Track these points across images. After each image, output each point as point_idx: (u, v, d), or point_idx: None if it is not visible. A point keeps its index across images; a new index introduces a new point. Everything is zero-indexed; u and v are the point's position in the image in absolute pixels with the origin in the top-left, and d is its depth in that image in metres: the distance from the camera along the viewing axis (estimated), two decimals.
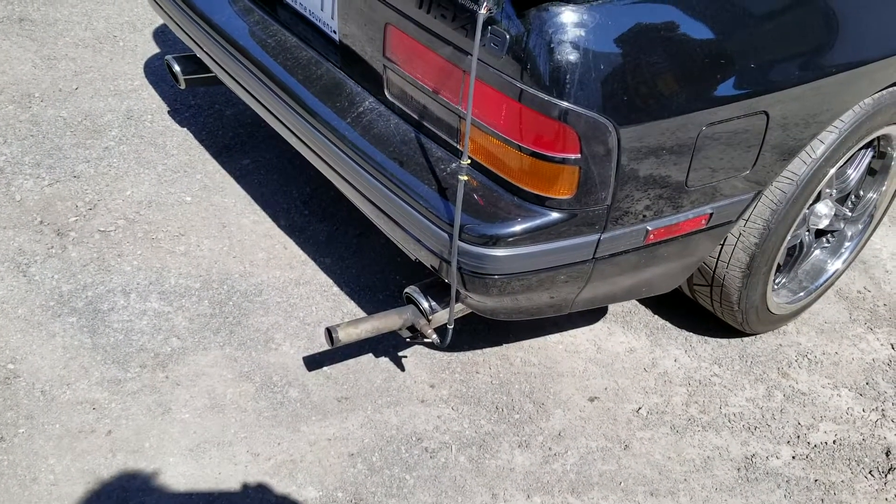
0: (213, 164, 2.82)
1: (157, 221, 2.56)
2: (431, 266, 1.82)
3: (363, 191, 1.88)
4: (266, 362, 2.17)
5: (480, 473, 1.98)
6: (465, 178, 1.61)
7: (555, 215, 1.66)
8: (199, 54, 2.41)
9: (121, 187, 2.67)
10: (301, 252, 2.52)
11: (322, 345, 2.23)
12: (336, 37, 1.98)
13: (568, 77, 1.51)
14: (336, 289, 2.41)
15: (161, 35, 3.48)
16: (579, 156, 1.58)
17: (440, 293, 1.92)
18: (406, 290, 1.94)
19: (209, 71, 2.64)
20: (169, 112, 3.04)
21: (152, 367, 2.11)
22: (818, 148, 1.97)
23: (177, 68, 2.63)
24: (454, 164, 1.76)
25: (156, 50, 3.38)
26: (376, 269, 2.49)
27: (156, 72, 3.25)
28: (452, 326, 1.86)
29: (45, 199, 2.59)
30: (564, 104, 1.52)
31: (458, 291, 1.78)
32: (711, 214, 1.86)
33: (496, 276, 1.72)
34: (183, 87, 2.67)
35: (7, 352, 2.10)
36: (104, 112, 2.99)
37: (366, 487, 1.91)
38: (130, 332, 2.19)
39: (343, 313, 2.33)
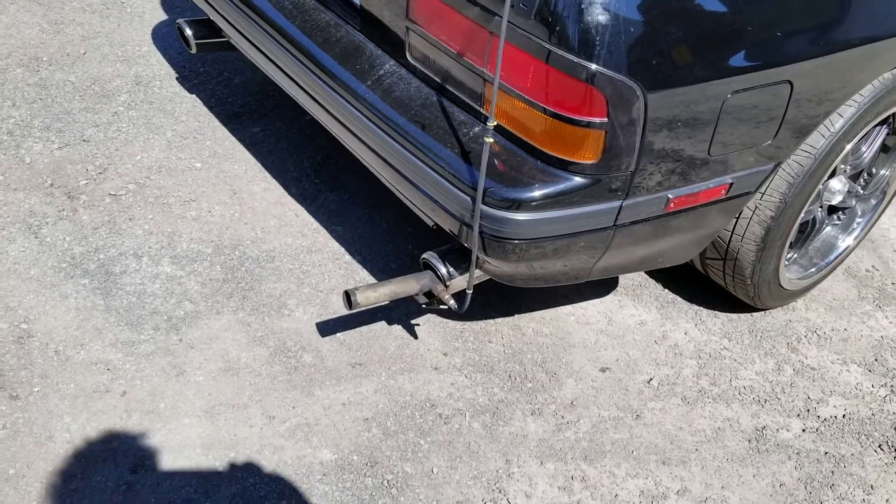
0: (222, 132, 2.80)
1: (168, 186, 2.54)
2: (451, 231, 1.81)
3: (383, 154, 1.87)
4: (279, 328, 2.16)
5: (494, 440, 1.99)
6: (490, 140, 1.60)
7: (578, 180, 1.66)
8: (214, 17, 2.38)
9: (131, 152, 2.65)
10: (313, 220, 2.51)
11: (335, 311, 2.23)
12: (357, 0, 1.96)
13: (598, 39, 1.50)
14: (348, 257, 2.40)
15: (168, 2, 3.45)
16: (606, 120, 1.57)
17: (458, 259, 1.92)
18: (423, 255, 1.93)
19: (221, 36, 2.63)
20: (178, 79, 3.02)
21: (166, 330, 2.10)
22: (837, 122, 1.97)
23: (188, 32, 2.60)
24: (477, 128, 1.75)
25: (163, 17, 3.35)
26: (388, 238, 2.49)
27: (164, 38, 3.22)
28: (471, 291, 1.86)
29: (55, 162, 2.57)
30: (593, 67, 1.52)
31: (477, 256, 1.78)
32: (731, 185, 1.86)
33: (516, 241, 1.72)
34: (194, 51, 2.65)
35: (20, 311, 2.09)
36: (112, 77, 2.96)
37: (381, 451, 1.91)
38: (143, 295, 2.18)
39: (355, 281, 2.33)
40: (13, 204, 2.39)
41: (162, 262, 2.29)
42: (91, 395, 1.92)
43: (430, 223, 1.96)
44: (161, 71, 3.04)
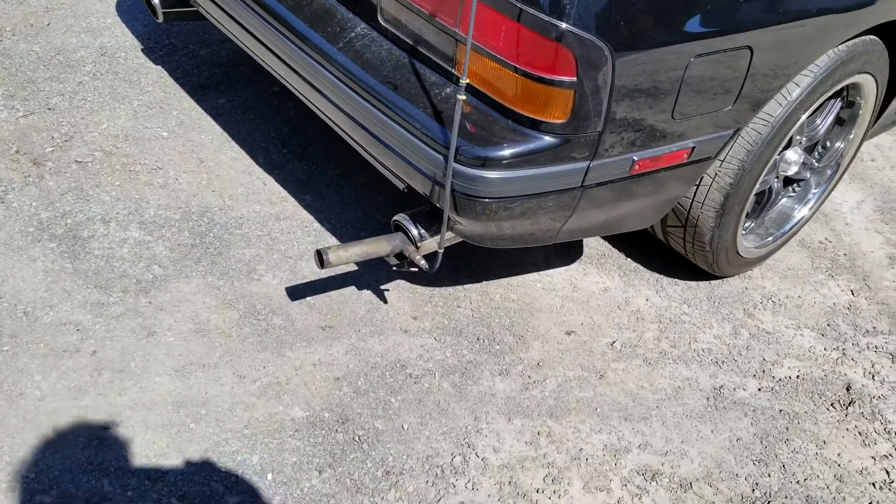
0: (189, 102, 2.80)
1: (134, 154, 2.54)
2: (423, 191, 1.85)
3: (355, 116, 1.90)
4: (249, 291, 2.18)
5: (463, 398, 2.03)
6: (463, 97, 1.64)
7: (548, 140, 1.71)
8: None
9: (96, 121, 2.63)
10: (281, 189, 2.52)
11: (305, 277, 2.25)
12: None
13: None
14: (317, 225, 2.42)
15: None
16: (575, 79, 1.62)
17: (428, 221, 1.96)
18: (395, 217, 1.96)
19: (188, 4, 2.62)
20: (143, 50, 3.00)
21: (135, 293, 2.10)
22: (794, 91, 2.05)
23: (155, 0, 2.59)
24: (449, 89, 1.79)
25: None
26: (357, 207, 2.51)
27: (128, 11, 3.19)
28: (442, 251, 1.90)
29: (20, 129, 2.54)
30: (563, 26, 1.56)
31: (448, 215, 1.81)
32: (693, 149, 1.93)
33: (487, 200, 1.76)
34: (160, 20, 2.64)
35: None
36: (77, 48, 2.94)
37: (352, 409, 1.95)
38: (111, 259, 2.18)
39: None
40: None
41: (130, 227, 2.29)
42: (61, 354, 1.92)
43: (402, 186, 1.99)
44: (126, 42, 3.02)
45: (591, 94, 1.65)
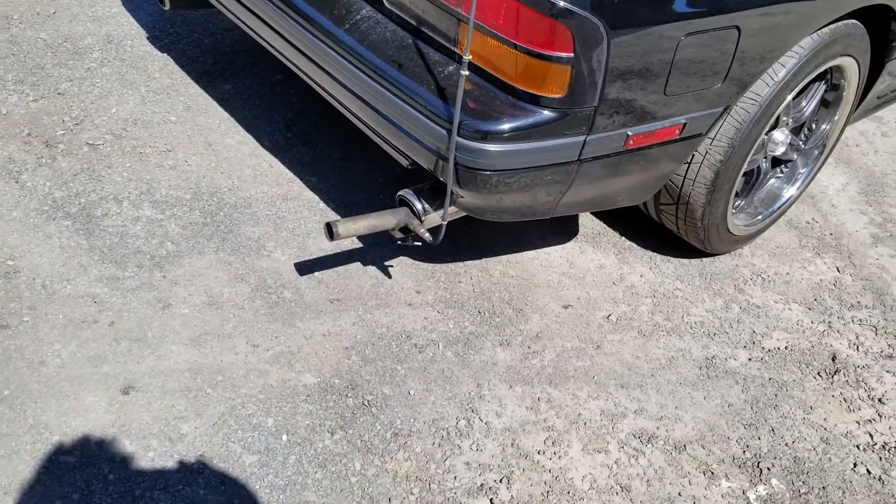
0: (195, 88, 2.88)
1: (144, 138, 2.61)
2: (427, 165, 1.93)
3: (362, 94, 1.98)
4: (259, 267, 2.26)
5: (466, 366, 2.12)
6: (466, 73, 1.72)
7: (546, 114, 1.79)
8: None
9: (106, 105, 2.71)
10: (287, 171, 2.60)
11: (313, 253, 2.33)
12: None
13: None
14: (322, 205, 2.51)
15: None
16: (572, 55, 1.71)
17: (432, 196, 2.04)
18: (399, 192, 2.04)
19: None
20: (148, 38, 3.07)
21: (149, 268, 2.18)
22: (780, 71, 2.14)
23: None
24: (451, 67, 1.87)
25: None
26: (360, 188, 2.59)
27: (132, 0, 3.26)
28: (446, 223, 1.98)
29: (31, 113, 2.61)
30: (561, 3, 1.65)
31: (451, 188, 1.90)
32: (685, 125, 2.02)
33: (488, 173, 1.85)
34: (167, 7, 2.71)
35: (5, 250, 2.15)
36: (84, 36, 3.01)
37: (360, 376, 2.03)
38: (125, 236, 2.26)
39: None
40: None
41: (142, 206, 2.36)
42: (80, 324, 2.00)
43: (406, 163, 2.08)
44: (132, 31, 3.09)
45: (587, 69, 1.74)
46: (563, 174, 1.93)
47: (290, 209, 2.46)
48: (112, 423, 1.80)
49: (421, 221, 2.03)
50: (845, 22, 2.23)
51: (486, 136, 1.79)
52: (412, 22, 1.94)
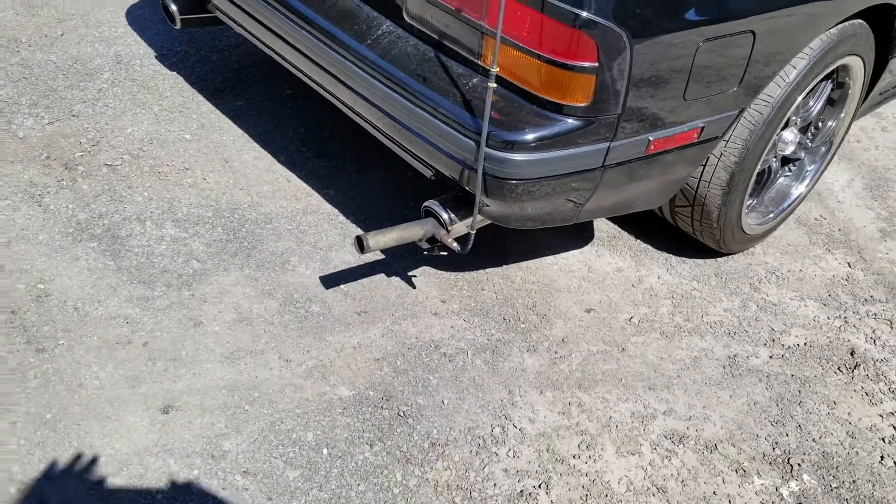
0: (207, 106, 2.89)
1: (161, 157, 2.63)
2: (453, 176, 1.96)
3: (386, 109, 2.01)
4: (285, 282, 2.28)
5: (496, 374, 2.14)
6: (494, 84, 1.75)
7: (571, 122, 1.83)
8: None
9: (121, 125, 2.72)
10: (304, 185, 2.62)
11: (336, 266, 2.35)
12: None
13: None
14: (342, 217, 2.53)
15: None
16: (596, 64, 1.74)
17: (457, 206, 2.07)
18: (425, 204, 2.07)
19: (206, 11, 2.72)
20: (157, 57, 3.09)
21: (177, 287, 2.20)
22: (791, 73, 2.19)
23: (173, 8, 2.68)
24: (475, 79, 1.90)
25: None
26: (377, 199, 2.62)
27: (139, 20, 3.28)
28: (475, 232, 2.01)
29: (48, 136, 2.62)
30: (584, 14, 1.69)
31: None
32: (703, 128, 2.06)
33: (514, 182, 1.88)
34: (178, 27, 2.73)
35: (35, 273, 2.16)
36: (93, 57, 3.02)
37: (394, 387, 2.05)
38: (151, 256, 2.27)
39: (352, 239, 2.45)
40: (12, 175, 2.45)
41: (165, 225, 2.38)
42: (114, 346, 2.01)
43: (429, 174, 2.11)
44: (140, 50, 3.11)
45: (611, 78, 1.78)
46: (587, 181, 1.96)
47: (311, 223, 2.49)
48: (155, 443, 1.82)
49: (448, 231, 2.06)
50: (851, 22, 2.28)
51: (513, 146, 1.82)
52: (434, 36, 1.97)
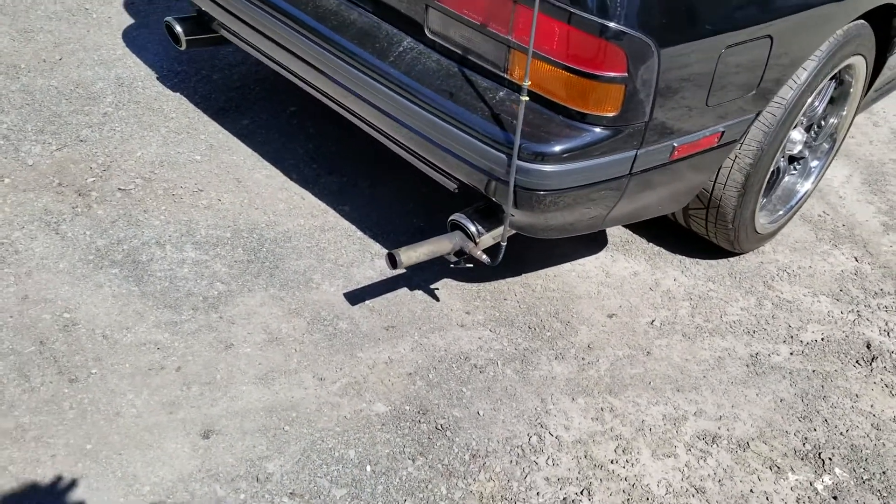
0: (213, 126, 2.88)
1: (174, 179, 2.61)
2: (481, 189, 1.97)
3: (411, 124, 2.01)
4: (311, 300, 2.27)
5: (527, 383, 2.15)
6: (526, 98, 1.77)
7: (600, 132, 1.85)
8: (217, 14, 2.46)
9: (129, 149, 2.70)
10: (319, 202, 2.62)
11: (359, 282, 2.35)
12: None
13: (617, 1, 1.69)
14: (360, 233, 2.53)
15: (131, 6, 3.49)
16: (626, 74, 1.76)
17: (483, 218, 2.08)
18: (452, 217, 2.08)
19: (211, 31, 2.71)
20: (158, 78, 3.07)
21: (204, 309, 2.18)
22: (802, 75, 2.23)
23: (178, 29, 2.68)
24: (502, 92, 1.92)
25: (130, 21, 3.39)
26: (393, 214, 2.62)
27: (136, 41, 3.26)
28: (505, 244, 2.02)
29: (57, 162, 2.60)
30: (613, 25, 1.71)
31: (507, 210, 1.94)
32: (723, 133, 2.09)
33: (543, 192, 1.89)
34: (183, 48, 2.72)
35: (59, 302, 2.13)
36: (94, 80, 3.00)
37: (429, 400, 2.06)
38: (175, 279, 2.26)
39: (372, 254, 2.46)
40: (26, 204, 2.42)
41: (185, 248, 2.36)
42: (147, 372, 2.00)
43: (453, 187, 2.12)
44: (140, 72, 3.09)
45: (639, 87, 1.80)
46: (614, 189, 1.98)
47: (330, 240, 2.48)
48: (199, 469, 1.81)
49: (476, 244, 2.07)
50: (855, 23, 2.33)
51: (543, 158, 1.83)
52: (457, 51, 1.98)
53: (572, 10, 1.72)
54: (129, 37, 3.28)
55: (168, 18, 2.69)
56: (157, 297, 2.20)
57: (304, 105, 3.03)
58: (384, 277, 2.38)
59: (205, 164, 2.70)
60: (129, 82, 3.02)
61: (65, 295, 2.16)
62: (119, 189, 2.53)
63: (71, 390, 1.92)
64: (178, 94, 3.01)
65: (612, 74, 1.77)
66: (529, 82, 1.77)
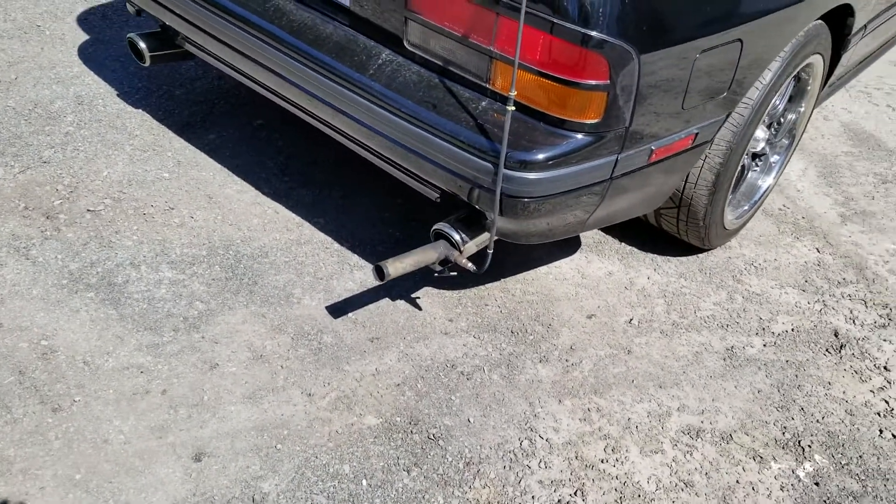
0: (179, 142, 2.84)
1: (143, 198, 2.56)
2: (465, 197, 1.98)
3: (392, 136, 2.01)
4: (293, 315, 2.26)
5: (514, 387, 2.17)
6: (512, 108, 1.78)
7: (583, 139, 1.88)
8: (184, 28, 2.43)
9: (95, 169, 2.64)
10: (293, 215, 2.60)
11: (340, 295, 2.34)
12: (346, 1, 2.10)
13: (599, 10, 1.72)
14: (336, 245, 2.52)
15: (84, 22, 3.41)
16: (608, 82, 1.80)
17: (466, 226, 2.09)
18: (435, 227, 2.09)
19: (175, 46, 2.67)
20: (119, 95, 3.01)
21: (186, 330, 2.15)
22: (767, 76, 2.29)
23: (142, 45, 2.63)
24: (484, 102, 1.94)
25: (84, 37, 3.31)
26: (368, 224, 2.62)
27: (92, 58, 3.19)
28: (492, 251, 2.03)
29: (21, 185, 2.53)
30: (596, 34, 1.74)
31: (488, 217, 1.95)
32: (697, 134, 2.14)
33: (527, 199, 1.92)
34: (147, 64, 2.68)
35: (36, 330, 2.08)
36: (53, 99, 2.93)
37: (419, 410, 2.06)
38: (153, 301, 2.22)
39: (351, 266, 2.45)
40: None
41: (160, 268, 2.32)
42: (132, 397, 1.96)
43: (434, 196, 2.13)
44: (100, 89, 3.02)
45: (621, 93, 1.84)
46: (595, 194, 2.02)
47: (307, 253, 2.47)
48: (193, 493, 1.78)
49: (461, 252, 2.08)
50: (814, 23, 2.41)
51: (527, 165, 1.86)
52: (437, 62, 1.99)
53: (555, 20, 1.74)
54: (86, 53, 3.21)
55: (131, 35, 2.64)
56: (137, 319, 2.16)
57: (271, 118, 3.00)
58: (365, 289, 2.38)
59: (174, 181, 2.65)
60: (90, 100, 2.95)
61: (41, 322, 2.10)
62: (88, 210, 2.47)
63: (55, 419, 1.88)
64: (140, 110, 2.95)
65: (595, 82, 1.80)
66: (516, 93, 1.79)
